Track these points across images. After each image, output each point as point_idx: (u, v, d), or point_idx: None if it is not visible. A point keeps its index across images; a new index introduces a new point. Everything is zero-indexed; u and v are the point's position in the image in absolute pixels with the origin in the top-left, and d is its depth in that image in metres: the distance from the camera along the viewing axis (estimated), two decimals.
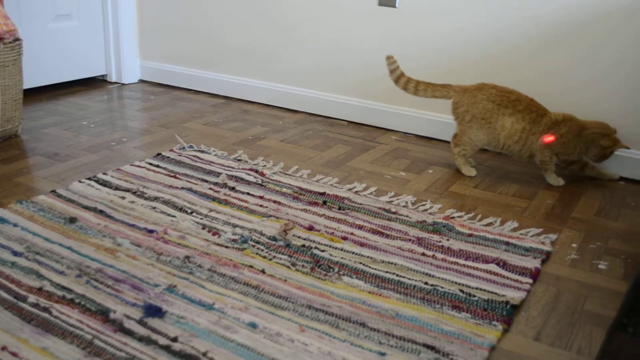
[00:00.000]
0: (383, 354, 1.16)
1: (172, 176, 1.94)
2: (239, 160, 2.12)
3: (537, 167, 2.10)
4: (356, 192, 1.91)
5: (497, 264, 1.51)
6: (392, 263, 1.49)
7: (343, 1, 2.57)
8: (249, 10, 2.81)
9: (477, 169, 2.17)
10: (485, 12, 2.29)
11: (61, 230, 1.56)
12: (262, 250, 1.51)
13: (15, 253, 1.43)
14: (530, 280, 1.45)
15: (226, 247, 1.52)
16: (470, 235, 1.66)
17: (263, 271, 1.41)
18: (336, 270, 1.44)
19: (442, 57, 2.41)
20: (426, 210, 1.82)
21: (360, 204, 1.82)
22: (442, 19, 2.38)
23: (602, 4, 2.09)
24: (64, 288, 1.31)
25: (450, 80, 2.36)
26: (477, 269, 1.49)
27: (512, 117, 2.02)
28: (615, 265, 1.57)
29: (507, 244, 1.62)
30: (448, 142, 2.41)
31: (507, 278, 1.45)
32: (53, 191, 1.79)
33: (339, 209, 1.78)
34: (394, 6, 2.45)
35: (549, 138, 1.96)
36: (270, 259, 1.47)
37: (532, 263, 1.53)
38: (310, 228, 1.64)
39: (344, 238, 1.60)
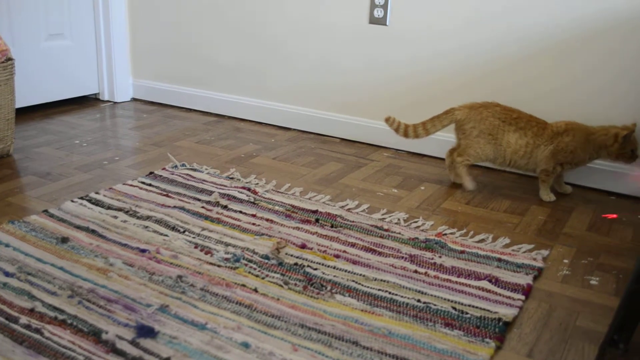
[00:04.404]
0: None
1: (164, 195, 1.94)
2: (232, 178, 2.13)
3: (538, 179, 2.12)
4: (348, 210, 1.92)
5: (490, 281, 1.51)
6: (384, 281, 1.49)
7: (333, 19, 2.59)
8: (241, 29, 2.83)
9: None
10: (476, 32, 2.31)
11: (53, 251, 1.55)
12: (255, 269, 1.51)
13: (7, 274, 1.42)
14: (523, 297, 1.45)
15: (218, 266, 1.52)
16: (462, 252, 1.66)
17: (256, 290, 1.41)
18: (329, 288, 1.44)
19: (434, 77, 2.43)
20: (418, 227, 1.82)
21: (353, 221, 1.82)
22: (434, 38, 2.40)
23: (598, 20, 2.11)
24: (55, 309, 1.30)
25: (442, 100, 2.39)
26: (469, 285, 1.49)
27: (515, 133, 2.04)
28: (606, 281, 1.58)
29: (499, 260, 1.63)
30: (440, 158, 2.43)
31: (500, 295, 1.46)
32: (45, 211, 1.78)
33: (332, 226, 1.78)
34: (385, 24, 2.47)
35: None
36: (262, 278, 1.47)
37: (524, 279, 1.53)
38: (303, 246, 1.64)
39: (337, 256, 1.60)
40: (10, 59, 2.23)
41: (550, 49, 2.20)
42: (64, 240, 1.60)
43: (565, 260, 1.67)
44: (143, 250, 1.57)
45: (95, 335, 1.22)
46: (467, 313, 1.37)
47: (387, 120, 2.20)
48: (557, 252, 1.72)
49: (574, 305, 1.46)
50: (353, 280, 1.48)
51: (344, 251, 1.63)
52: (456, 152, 2.15)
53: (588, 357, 1.26)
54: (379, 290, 1.45)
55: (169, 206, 1.86)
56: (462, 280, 1.52)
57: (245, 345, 1.21)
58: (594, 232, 1.86)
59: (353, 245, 1.67)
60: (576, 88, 2.19)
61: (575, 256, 1.70)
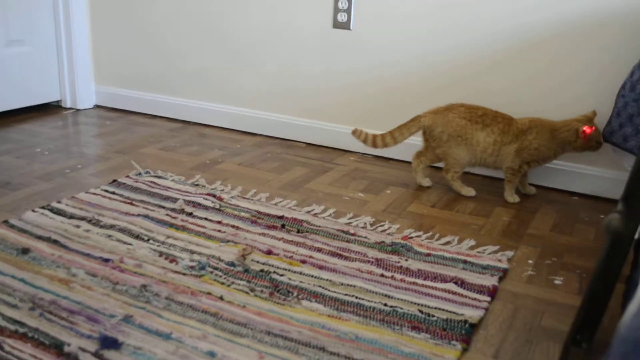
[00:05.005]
0: None
1: (128, 203, 1.92)
2: (197, 185, 2.11)
3: (502, 180, 2.13)
4: (315, 215, 1.91)
5: (455, 283, 1.52)
6: (351, 285, 1.49)
7: (298, 24, 2.58)
8: (205, 34, 2.81)
9: (434, 188, 2.19)
10: (441, 38, 2.32)
11: (14, 262, 1.52)
12: (221, 276, 1.50)
13: None
14: (488, 298, 1.46)
15: (184, 274, 1.50)
16: (428, 254, 1.67)
17: (221, 298, 1.40)
18: (295, 294, 1.44)
19: (399, 81, 2.44)
20: (385, 230, 1.83)
21: (319, 226, 1.82)
22: (398, 42, 2.41)
23: (551, 26, 2.14)
24: (16, 322, 1.27)
25: (408, 105, 2.40)
26: (435, 288, 1.50)
27: (483, 131, 2.05)
28: (570, 280, 1.60)
29: (465, 262, 1.64)
30: (405, 162, 2.44)
31: (465, 297, 1.46)
32: (5, 222, 1.75)
33: (298, 232, 1.78)
34: (349, 29, 2.48)
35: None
36: (228, 285, 1.46)
37: (490, 281, 1.54)
38: (269, 252, 1.63)
39: (303, 261, 1.60)
40: None
41: (521, 52, 2.22)
42: (25, 251, 1.57)
43: (530, 261, 1.69)
44: (106, 260, 1.55)
45: (57, 348, 1.20)
46: (433, 316, 1.38)
47: (354, 132, 2.20)
48: (521, 252, 1.74)
49: (539, 305, 1.47)
50: (319, 286, 1.48)
51: (311, 256, 1.63)
52: (443, 170, 2.16)
53: (553, 357, 1.27)
54: (346, 295, 1.45)
55: (133, 214, 1.83)
56: (428, 283, 1.52)
57: (211, 354, 1.20)
58: (558, 233, 1.89)
59: (319, 250, 1.67)
60: (555, 93, 2.22)
61: (540, 256, 1.72)
